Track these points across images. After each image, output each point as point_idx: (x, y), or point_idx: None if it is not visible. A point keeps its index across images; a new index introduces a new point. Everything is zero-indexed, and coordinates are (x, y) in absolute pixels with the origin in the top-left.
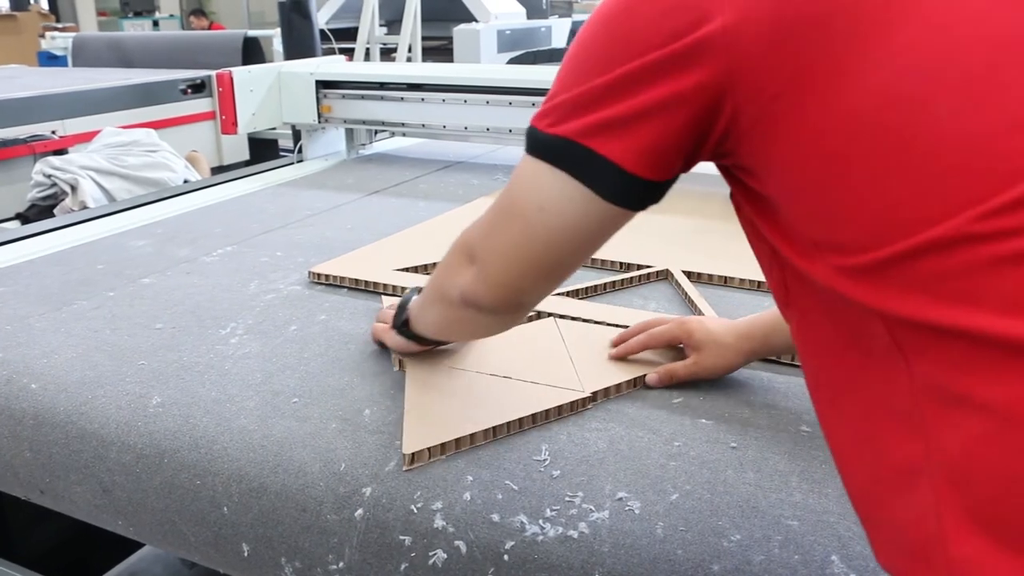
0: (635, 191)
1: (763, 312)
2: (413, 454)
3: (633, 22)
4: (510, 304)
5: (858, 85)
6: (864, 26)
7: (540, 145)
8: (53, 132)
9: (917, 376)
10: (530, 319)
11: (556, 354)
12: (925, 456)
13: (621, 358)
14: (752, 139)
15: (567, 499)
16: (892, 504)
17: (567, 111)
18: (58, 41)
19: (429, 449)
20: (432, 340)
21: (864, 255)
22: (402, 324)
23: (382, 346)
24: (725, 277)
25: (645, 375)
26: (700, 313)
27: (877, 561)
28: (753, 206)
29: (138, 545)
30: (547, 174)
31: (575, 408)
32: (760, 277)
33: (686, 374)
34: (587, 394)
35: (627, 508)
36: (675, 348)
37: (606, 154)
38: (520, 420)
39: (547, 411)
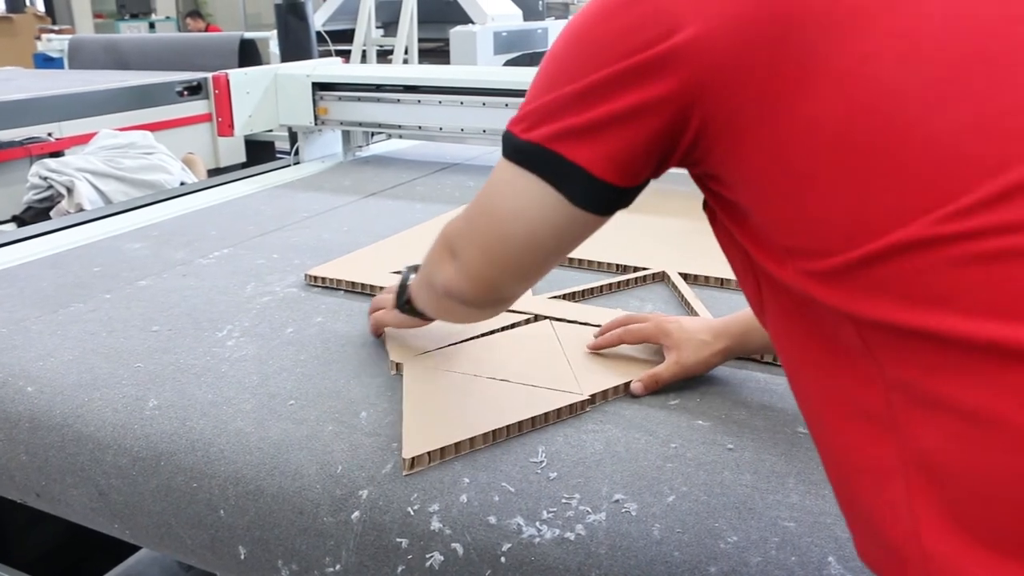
0: (603, 196)
1: (740, 312)
2: (413, 459)
3: (605, 32)
4: (489, 299)
5: (824, 93)
6: (830, 35)
7: (514, 149)
8: (49, 134)
9: (889, 377)
10: (527, 322)
11: (553, 357)
12: (899, 456)
13: (598, 351)
14: (721, 148)
15: (564, 501)
16: (870, 502)
17: (539, 117)
18: (54, 43)
19: (429, 453)
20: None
21: (832, 259)
22: (405, 303)
23: (379, 336)
24: (721, 279)
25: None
26: (696, 314)
27: (858, 554)
28: (726, 213)
29: (134, 548)
30: (521, 177)
31: (574, 411)
32: None
33: (670, 375)
34: (585, 397)
35: (624, 510)
36: (658, 347)
37: (575, 159)
38: (520, 423)
39: (546, 414)
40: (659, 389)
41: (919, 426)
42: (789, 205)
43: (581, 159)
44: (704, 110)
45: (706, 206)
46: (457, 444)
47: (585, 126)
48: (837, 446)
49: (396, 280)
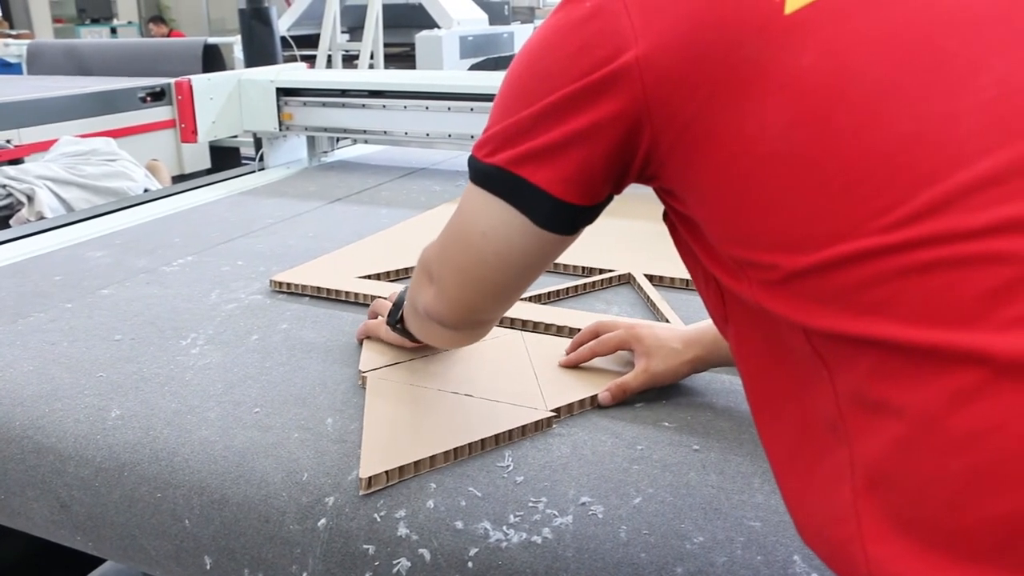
0: (566, 216)
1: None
2: (371, 478)
3: (557, 55)
4: (468, 320)
5: (763, 108)
6: (770, 49)
7: (478, 174)
8: (8, 141)
9: (839, 385)
10: (498, 326)
11: (521, 369)
12: (850, 463)
13: (572, 366)
14: (673, 163)
15: (531, 505)
16: (821, 512)
17: (500, 142)
18: (12, 48)
19: (387, 473)
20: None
21: (780, 270)
22: (397, 321)
23: (361, 343)
24: (687, 280)
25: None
26: (663, 317)
27: (800, 537)
28: (684, 227)
29: (98, 561)
30: (487, 201)
31: (539, 427)
32: None
33: (638, 384)
34: (549, 414)
35: (590, 513)
36: (628, 358)
37: (536, 182)
38: (483, 441)
39: (510, 432)
40: (676, 380)
41: (866, 432)
42: (735, 217)
43: (541, 181)
44: (653, 126)
45: (666, 217)
46: (416, 463)
47: (542, 148)
48: (792, 457)
49: (392, 290)
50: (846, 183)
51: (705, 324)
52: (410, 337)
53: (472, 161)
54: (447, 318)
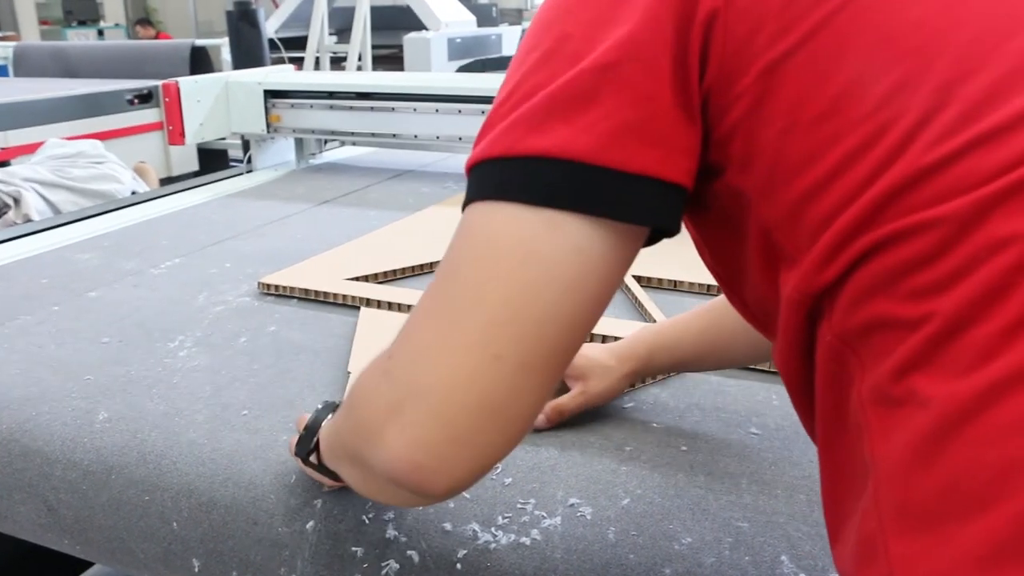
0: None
1: (641, 330)
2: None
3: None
4: (480, 465)
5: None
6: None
7: (506, 181)
8: None
9: (866, 378)
10: None
11: None
12: (872, 460)
13: None
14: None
15: (519, 506)
16: (851, 512)
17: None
18: None
19: None
20: None
21: (807, 255)
22: (307, 453)
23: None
24: (675, 281)
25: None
26: (651, 317)
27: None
28: (731, 215)
29: (86, 564)
30: (542, 222)
31: None
32: (710, 281)
33: (575, 406)
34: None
35: (579, 514)
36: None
37: (633, 167)
38: None
39: None
40: (613, 398)
41: (882, 422)
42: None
43: (643, 164)
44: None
45: (697, 220)
46: None
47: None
48: (830, 457)
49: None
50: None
51: (636, 336)
52: (332, 476)
53: (493, 166)
54: (440, 471)
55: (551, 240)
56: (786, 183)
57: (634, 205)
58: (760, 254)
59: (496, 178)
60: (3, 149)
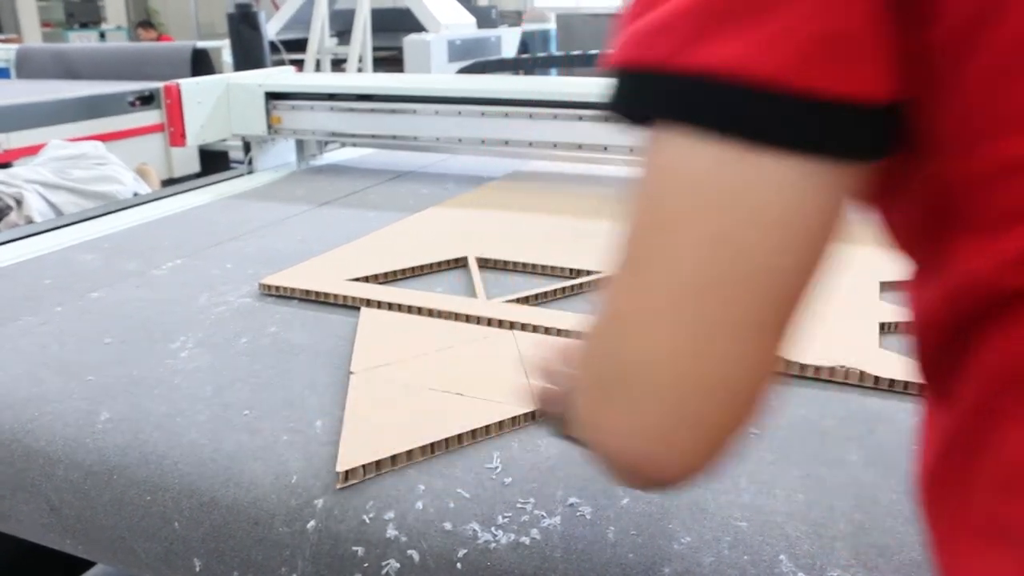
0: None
1: None
2: (347, 472)
3: None
4: (714, 446)
5: None
6: None
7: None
8: None
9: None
10: (491, 327)
11: (512, 369)
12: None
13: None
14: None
15: (519, 506)
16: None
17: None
18: (0, 53)
19: (364, 467)
20: None
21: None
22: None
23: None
24: None
25: None
26: None
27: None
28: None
29: (88, 564)
30: (749, 159)
31: (516, 423)
32: None
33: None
34: (529, 409)
35: (578, 513)
36: None
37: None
38: (460, 436)
39: (487, 426)
40: None
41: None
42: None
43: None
44: None
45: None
46: (394, 457)
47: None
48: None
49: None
50: None
51: None
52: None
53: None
54: (658, 450)
55: (761, 183)
56: (992, 139)
57: (858, 139)
58: (930, 209)
59: (685, 99)
60: (5, 151)
